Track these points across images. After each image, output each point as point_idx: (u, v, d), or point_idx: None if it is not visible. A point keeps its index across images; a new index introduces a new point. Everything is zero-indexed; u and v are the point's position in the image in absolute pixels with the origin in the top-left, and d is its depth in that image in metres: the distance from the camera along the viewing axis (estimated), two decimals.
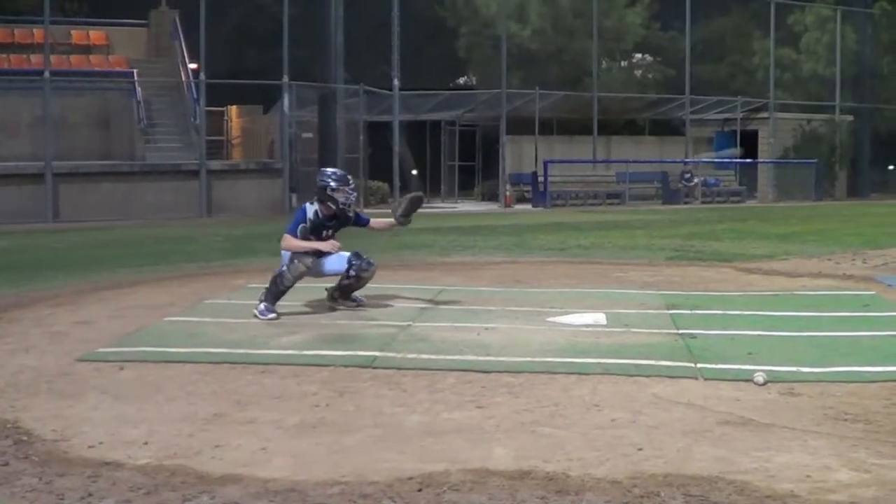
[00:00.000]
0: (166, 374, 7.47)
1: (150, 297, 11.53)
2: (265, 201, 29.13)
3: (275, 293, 10.08)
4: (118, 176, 26.88)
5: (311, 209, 10.43)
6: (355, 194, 10.75)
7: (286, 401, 6.64)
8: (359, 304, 10.61)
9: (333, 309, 10.39)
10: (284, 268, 10.09)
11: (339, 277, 10.54)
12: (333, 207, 10.42)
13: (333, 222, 10.51)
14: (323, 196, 10.42)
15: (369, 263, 10.49)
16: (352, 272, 10.43)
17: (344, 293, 10.62)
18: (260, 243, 18.66)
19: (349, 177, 10.70)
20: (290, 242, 10.22)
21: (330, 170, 10.87)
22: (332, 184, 10.41)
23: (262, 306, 9.98)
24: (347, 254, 10.46)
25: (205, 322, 9.68)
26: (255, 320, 9.72)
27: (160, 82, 31.32)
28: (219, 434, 5.85)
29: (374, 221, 11.01)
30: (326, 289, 10.68)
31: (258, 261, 15.42)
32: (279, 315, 9.95)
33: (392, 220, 10.93)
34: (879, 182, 44.75)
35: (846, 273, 13.68)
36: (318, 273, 10.43)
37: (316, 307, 10.47)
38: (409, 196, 11.12)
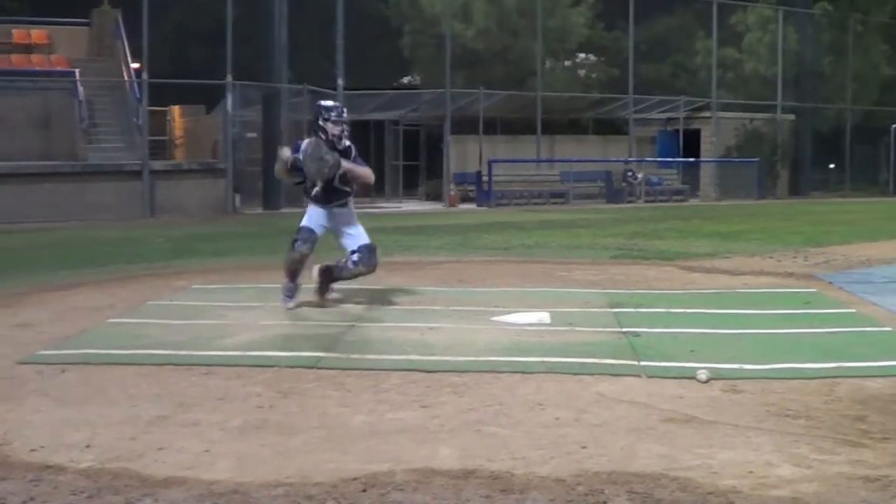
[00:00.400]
0: (109, 376, 7.40)
1: (93, 298, 11.42)
2: (208, 201, 28.95)
3: (288, 272, 10.41)
4: (60, 176, 26.58)
5: (305, 141, 10.52)
6: (347, 129, 10.68)
7: (230, 402, 6.61)
8: (327, 299, 10.66)
9: (277, 308, 10.35)
10: (292, 249, 10.40)
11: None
12: (324, 138, 10.39)
13: (330, 155, 10.44)
14: (316, 127, 10.50)
15: (372, 262, 10.54)
16: (353, 257, 10.46)
17: (331, 275, 10.63)
18: (203, 244, 18.57)
19: (343, 109, 10.72)
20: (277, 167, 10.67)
21: (324, 102, 10.94)
22: (324, 113, 10.50)
23: (282, 292, 10.40)
24: (367, 240, 10.52)
25: (148, 324, 9.61)
26: (199, 321, 9.66)
27: (102, 82, 31.04)
28: (162, 436, 5.81)
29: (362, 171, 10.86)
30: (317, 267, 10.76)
31: (201, 262, 15.36)
32: (298, 305, 10.35)
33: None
34: (820, 181, 45.27)
35: (788, 271, 13.82)
36: (335, 231, 10.65)
37: (259, 308, 10.42)
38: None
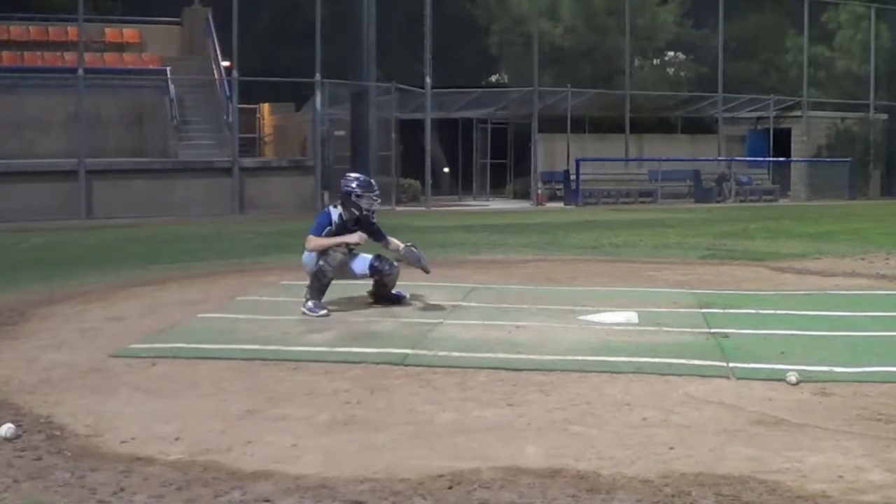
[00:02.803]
0: (198, 370, 7.50)
1: (183, 293, 11.57)
2: (297, 198, 29.14)
3: (318, 289, 10.14)
4: (151, 173, 26.97)
5: (336, 212, 10.49)
6: (379, 202, 10.76)
7: (317, 397, 6.66)
8: (401, 298, 10.65)
9: (368, 305, 10.42)
10: (322, 262, 10.11)
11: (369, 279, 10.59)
12: (356, 213, 10.43)
13: (356, 228, 10.47)
14: (346, 201, 10.46)
15: (392, 266, 10.50)
16: (375, 277, 10.47)
17: (380, 295, 10.65)
18: (291, 240, 18.64)
19: (373, 183, 10.75)
20: (317, 242, 10.27)
21: (354, 175, 10.85)
22: (357, 190, 10.47)
23: (309, 304, 10.04)
24: (370, 256, 10.48)
25: (237, 319, 9.72)
26: (287, 317, 9.74)
27: (193, 80, 31.40)
28: (250, 430, 5.86)
29: (391, 241, 10.81)
30: (367, 292, 10.71)
31: (289, 258, 15.43)
32: (329, 311, 10.03)
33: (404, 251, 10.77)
34: None
35: (879, 272, 13.60)
36: (344, 275, 10.44)
37: (347, 304, 10.48)
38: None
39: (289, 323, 9.49)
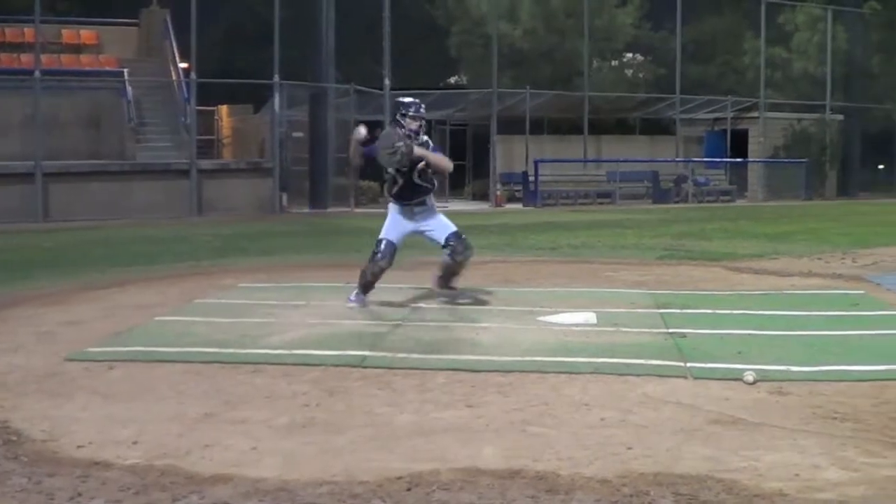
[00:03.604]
0: (156, 373, 7.46)
1: (140, 296, 11.51)
2: (255, 200, 29.11)
3: (361, 283, 10.45)
4: (108, 175, 26.81)
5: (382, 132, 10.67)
6: (426, 124, 10.84)
7: (276, 400, 6.64)
8: (457, 296, 10.69)
9: (322, 307, 10.39)
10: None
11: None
12: (402, 132, 10.44)
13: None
14: (394, 123, 10.65)
15: (466, 247, 10.55)
16: (447, 251, 10.51)
17: (445, 277, 10.67)
18: (250, 243, 18.67)
19: (422, 106, 10.81)
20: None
21: (403, 98, 10.97)
22: (402, 109, 10.61)
23: (352, 295, 10.47)
24: (454, 228, 10.55)
25: (195, 321, 9.67)
26: (245, 319, 9.71)
27: (151, 82, 31.27)
28: (209, 434, 5.84)
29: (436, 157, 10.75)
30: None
31: (248, 261, 15.43)
32: (366, 303, 10.44)
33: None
34: (869, 181, 44.87)
35: (836, 272, 13.70)
36: (419, 232, 10.61)
37: (308, 305, 10.46)
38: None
39: (247, 325, 9.45)
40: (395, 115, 10.61)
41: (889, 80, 44.64)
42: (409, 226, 10.53)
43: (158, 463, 5.27)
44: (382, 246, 10.38)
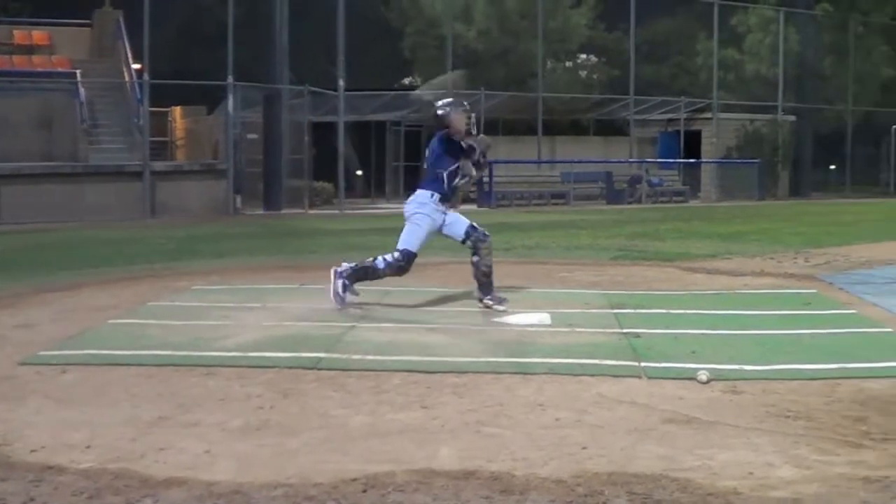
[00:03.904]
0: (110, 377, 7.41)
1: (93, 299, 11.42)
2: (209, 202, 28.97)
3: (361, 277, 10.39)
4: (61, 177, 26.58)
5: (441, 137, 10.56)
6: (474, 117, 10.68)
7: (230, 403, 6.61)
8: (498, 303, 10.49)
9: (278, 308, 10.35)
10: (380, 262, 10.32)
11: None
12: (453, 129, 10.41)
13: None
14: (441, 123, 10.55)
15: (485, 234, 10.47)
16: (468, 242, 10.44)
17: (482, 285, 10.54)
18: (204, 245, 18.58)
19: (465, 102, 10.75)
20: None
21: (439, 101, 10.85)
22: (443, 110, 10.56)
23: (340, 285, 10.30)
24: (466, 222, 10.47)
25: (149, 324, 9.61)
26: (199, 322, 9.65)
27: (103, 83, 31.05)
28: (163, 437, 5.81)
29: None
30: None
31: (201, 263, 15.36)
32: (359, 297, 10.41)
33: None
34: (821, 182, 45.30)
35: (788, 272, 13.82)
36: (438, 228, 10.47)
37: (263, 307, 10.42)
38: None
39: (201, 328, 9.40)
40: (442, 119, 10.55)
41: (840, 82, 45.10)
42: (437, 227, 10.48)
43: (112, 467, 5.24)
44: (410, 260, 10.33)
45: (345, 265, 10.42)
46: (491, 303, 10.29)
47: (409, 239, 10.33)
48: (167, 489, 4.89)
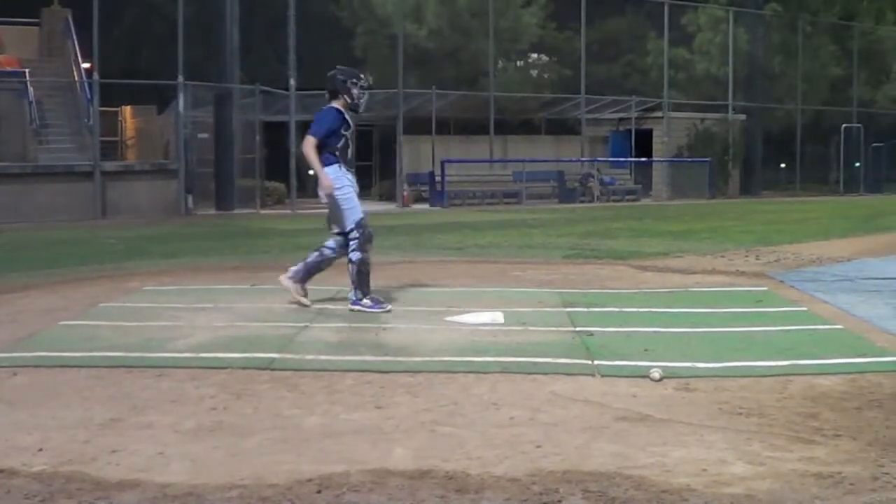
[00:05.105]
0: (61, 379, 7.35)
1: (44, 300, 11.33)
2: (160, 202, 28.81)
3: (365, 281, 10.26)
4: (9, 178, 26.33)
5: (336, 108, 10.46)
6: (366, 96, 10.63)
7: (183, 404, 6.58)
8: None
9: (229, 309, 10.30)
10: (356, 255, 10.21)
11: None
12: (349, 101, 10.40)
13: (348, 128, 10.46)
14: (342, 88, 10.42)
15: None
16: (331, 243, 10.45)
17: (309, 273, 10.57)
18: (155, 245, 18.46)
19: (357, 72, 10.70)
20: (309, 151, 10.29)
21: (337, 67, 10.83)
22: (352, 77, 10.49)
23: (366, 301, 10.16)
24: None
25: (99, 326, 9.54)
26: (151, 323, 9.60)
27: (52, 82, 30.76)
28: (115, 439, 5.77)
29: None
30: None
31: (153, 263, 15.26)
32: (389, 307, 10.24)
33: None
34: (771, 180, 45.68)
35: (739, 269, 13.91)
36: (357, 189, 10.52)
37: (215, 308, 10.37)
38: None
39: (152, 329, 9.35)
40: (345, 81, 10.45)
41: (790, 81, 45.47)
42: (356, 188, 10.55)
43: (64, 469, 5.20)
44: (366, 227, 10.37)
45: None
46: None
47: (348, 213, 10.37)
48: (120, 491, 4.86)
